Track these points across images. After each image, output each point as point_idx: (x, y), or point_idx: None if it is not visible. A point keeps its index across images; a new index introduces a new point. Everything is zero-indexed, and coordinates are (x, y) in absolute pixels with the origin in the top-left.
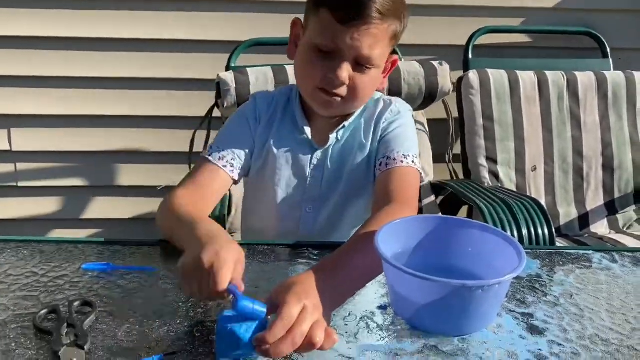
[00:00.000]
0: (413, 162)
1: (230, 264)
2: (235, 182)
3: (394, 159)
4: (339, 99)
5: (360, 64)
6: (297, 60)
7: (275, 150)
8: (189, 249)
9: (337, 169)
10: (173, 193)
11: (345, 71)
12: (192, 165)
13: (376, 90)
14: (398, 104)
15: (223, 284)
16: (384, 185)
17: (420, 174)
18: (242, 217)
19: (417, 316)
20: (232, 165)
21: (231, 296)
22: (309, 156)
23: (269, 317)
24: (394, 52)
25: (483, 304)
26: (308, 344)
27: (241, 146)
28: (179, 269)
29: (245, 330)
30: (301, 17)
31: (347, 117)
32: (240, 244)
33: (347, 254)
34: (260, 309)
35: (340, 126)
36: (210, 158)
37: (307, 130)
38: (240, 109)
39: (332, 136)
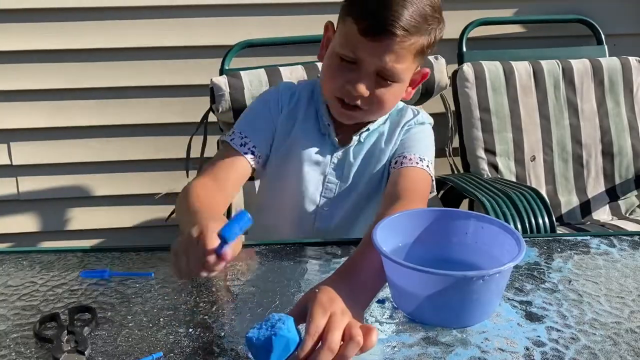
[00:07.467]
0: (427, 166)
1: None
2: (254, 172)
3: (410, 159)
4: (357, 111)
5: (383, 78)
6: (323, 64)
7: (298, 144)
8: (183, 232)
9: (357, 170)
10: (192, 183)
11: (364, 84)
12: (190, 172)
13: (401, 100)
14: (424, 116)
15: (212, 243)
16: (396, 182)
17: (432, 181)
18: (254, 214)
19: (418, 310)
20: (253, 153)
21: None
22: (330, 155)
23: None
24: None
25: (485, 294)
26: (351, 344)
27: (263, 134)
28: (172, 251)
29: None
30: (332, 18)
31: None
32: (245, 245)
33: (361, 254)
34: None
35: (365, 129)
36: (232, 144)
37: (331, 128)
38: (263, 95)
39: (355, 138)
